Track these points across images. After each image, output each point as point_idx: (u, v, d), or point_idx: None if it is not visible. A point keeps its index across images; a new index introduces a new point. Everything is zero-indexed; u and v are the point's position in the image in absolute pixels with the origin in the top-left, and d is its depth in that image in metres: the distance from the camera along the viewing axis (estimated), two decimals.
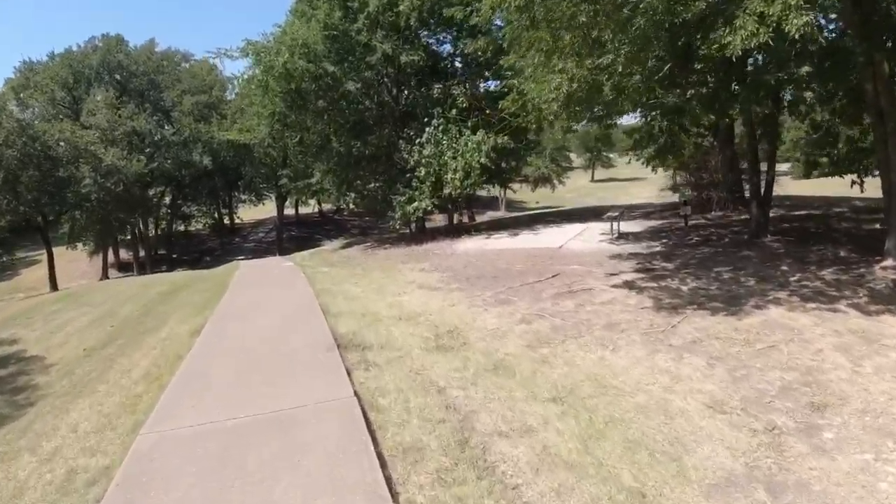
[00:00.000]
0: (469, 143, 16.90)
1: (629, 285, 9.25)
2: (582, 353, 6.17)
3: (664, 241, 13.86)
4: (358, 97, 18.06)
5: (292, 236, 51.53)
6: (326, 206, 60.96)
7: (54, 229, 28.79)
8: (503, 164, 21.63)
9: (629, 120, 19.93)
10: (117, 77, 35.35)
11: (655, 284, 9.24)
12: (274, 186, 37.73)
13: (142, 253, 39.15)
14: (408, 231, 20.96)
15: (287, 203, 46.44)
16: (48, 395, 8.49)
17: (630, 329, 6.92)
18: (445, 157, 16.95)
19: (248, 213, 59.18)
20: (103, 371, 8.17)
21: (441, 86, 19.78)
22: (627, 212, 20.10)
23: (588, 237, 15.54)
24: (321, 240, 51.83)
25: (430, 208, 17.59)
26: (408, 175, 17.51)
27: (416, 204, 17.08)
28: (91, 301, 16.30)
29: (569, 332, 6.94)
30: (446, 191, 17.12)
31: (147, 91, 35.98)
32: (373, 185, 19.33)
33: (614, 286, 9.26)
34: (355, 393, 5.09)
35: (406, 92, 20.07)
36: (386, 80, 19.48)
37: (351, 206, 21.85)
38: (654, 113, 12.39)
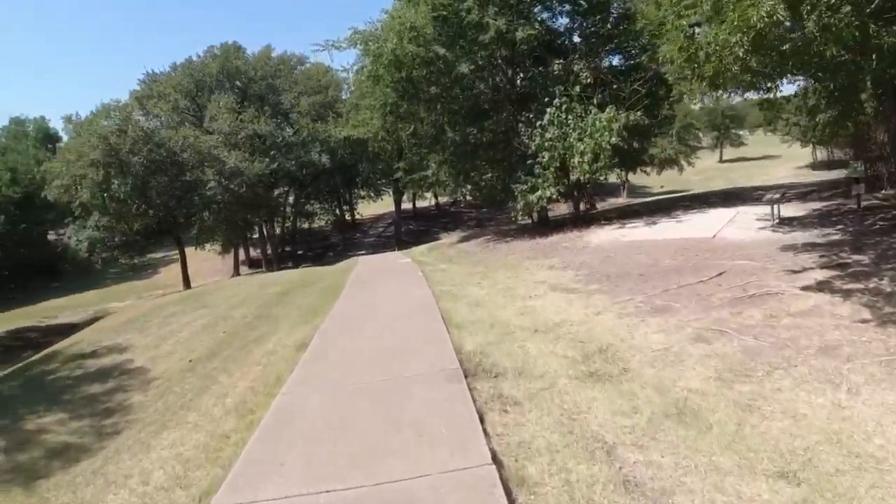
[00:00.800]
0: (598, 122, 15.07)
1: (827, 288, 7.16)
2: (804, 395, 4.41)
3: (840, 226, 11.26)
4: (471, 80, 16.79)
5: (410, 230, 51.75)
6: (442, 199, 60.90)
7: (186, 231, 30.58)
8: (634, 145, 19.52)
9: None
10: (237, 83, 37.01)
11: (861, 286, 7.07)
12: (391, 181, 37.74)
13: (269, 250, 40.90)
14: (529, 222, 19.46)
15: (404, 197, 46.58)
16: (137, 420, 8.10)
17: (859, 355, 5.01)
18: (571, 139, 15.25)
19: (367, 208, 60.49)
20: (199, 392, 7.61)
21: (561, 61, 18.01)
22: (783, 192, 17.21)
23: (743, 224, 13.13)
24: (438, 233, 51.57)
25: (554, 196, 15.98)
26: (529, 161, 16.02)
27: (539, 193, 15.55)
28: (210, 302, 16.48)
29: (771, 357, 5.17)
30: (573, 177, 15.42)
31: (266, 95, 37.37)
32: (491, 174, 18.05)
33: (806, 289, 7.21)
34: (493, 456, 3.77)
35: (521, 73, 18.56)
36: (500, 61, 18.05)
37: (467, 197, 20.74)
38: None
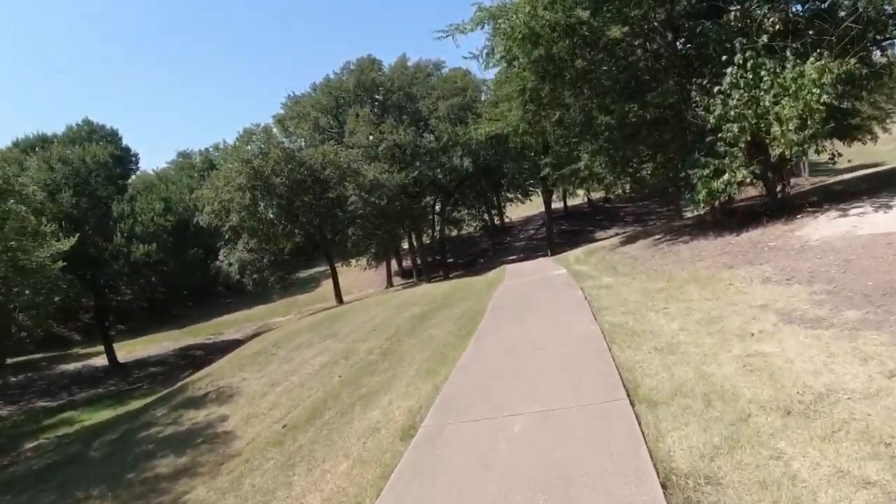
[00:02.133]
0: (802, 77, 11.33)
1: None
2: None
3: None
4: (625, 48, 13.79)
5: (562, 231, 48.70)
6: (595, 195, 56.88)
7: (335, 247, 30.74)
8: (845, 105, 15.29)
9: None
10: (375, 96, 36.84)
11: None
12: (538, 180, 35.24)
13: (419, 260, 40.40)
14: (708, 216, 15.85)
15: (554, 196, 43.72)
16: None
17: None
18: (765, 103, 11.65)
19: (515, 210, 58.34)
20: (270, 494, 5.82)
21: (737, 7, 14.25)
22: None
23: None
24: (593, 232, 47.89)
25: (747, 180, 12.41)
26: (708, 139, 12.62)
27: (726, 177, 12.10)
28: (340, 330, 15.31)
29: None
30: (775, 151, 11.76)
31: (404, 104, 36.82)
32: (657, 160, 14.83)
33: None
34: None
35: (684, 31, 15.07)
36: (655, 22, 14.77)
37: (626, 189, 17.59)
38: None
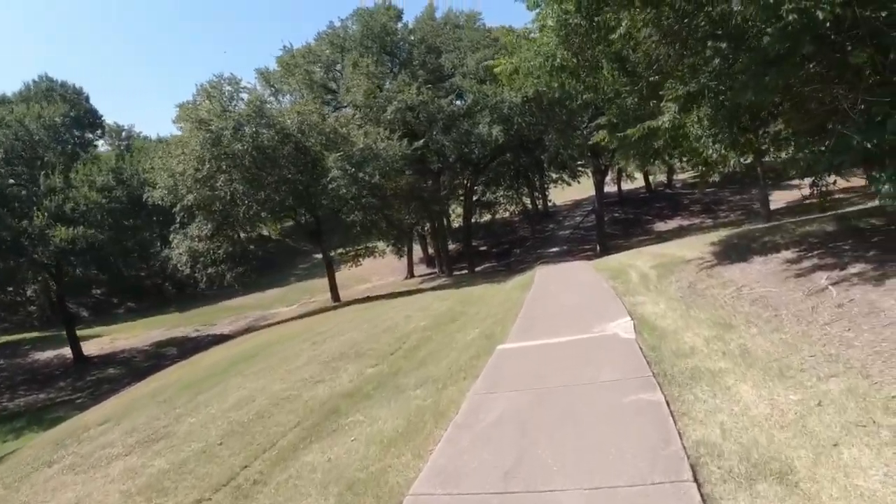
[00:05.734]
0: None
1: None
2: None
3: None
4: None
5: (615, 219, 41.36)
6: (656, 178, 48.92)
7: (327, 236, 24.13)
8: None
9: None
10: (388, 48, 29.75)
11: None
12: (588, 157, 28.03)
13: (441, 250, 34.00)
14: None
15: (608, 178, 36.32)
16: None
17: None
18: None
19: (561, 194, 50.99)
20: None
21: None
22: None
23: None
24: (651, 222, 40.26)
25: None
26: None
27: None
28: (273, 367, 9.33)
29: None
30: None
31: (425, 59, 29.79)
32: (814, 112, 7.78)
33: None
34: None
35: None
36: None
37: (741, 167, 10.35)
38: None
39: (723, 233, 15.41)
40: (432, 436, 4.88)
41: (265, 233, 34.53)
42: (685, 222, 37.30)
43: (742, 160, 10.12)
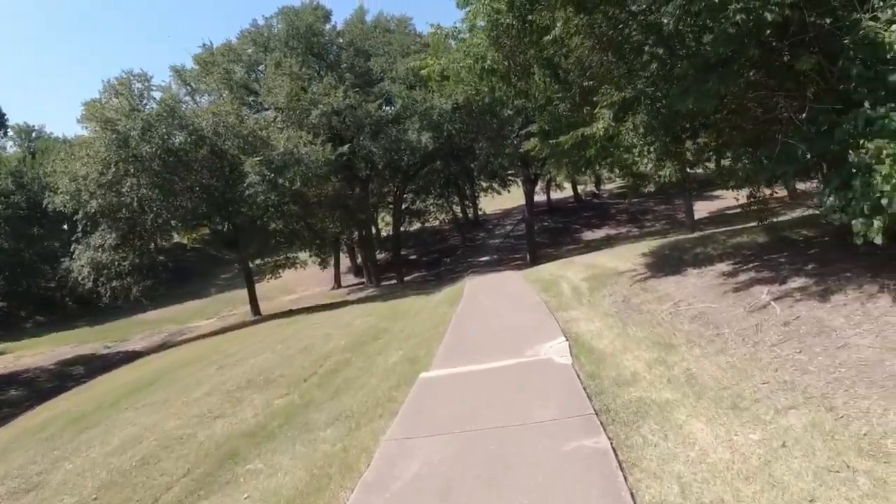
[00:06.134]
0: None
1: None
2: None
3: None
4: None
5: (545, 228, 41.59)
6: (583, 188, 49.69)
7: (244, 244, 22.39)
8: None
9: None
10: (315, 49, 28.38)
11: None
12: (519, 165, 27.75)
13: (372, 259, 32.89)
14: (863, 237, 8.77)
15: (538, 187, 36.39)
16: None
17: None
18: None
19: (491, 203, 50.99)
20: None
21: None
22: None
23: None
24: (580, 231, 40.77)
25: None
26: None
27: None
28: (201, 383, 8.08)
29: None
30: None
31: (353, 62, 28.69)
32: (750, 121, 7.47)
33: None
34: None
35: None
36: None
37: (673, 177, 9.99)
38: None
39: (653, 243, 15.30)
40: (336, 499, 4.01)
41: (184, 240, 32.38)
42: (612, 231, 37.94)
43: (676, 170, 9.81)
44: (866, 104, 5.83)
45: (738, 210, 11.70)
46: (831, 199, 6.15)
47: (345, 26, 31.67)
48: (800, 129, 5.88)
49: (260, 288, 40.74)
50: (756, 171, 6.79)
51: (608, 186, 51.57)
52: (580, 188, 49.27)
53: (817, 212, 9.17)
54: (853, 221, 5.82)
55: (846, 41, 5.88)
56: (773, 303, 6.72)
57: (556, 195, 48.97)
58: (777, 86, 6.34)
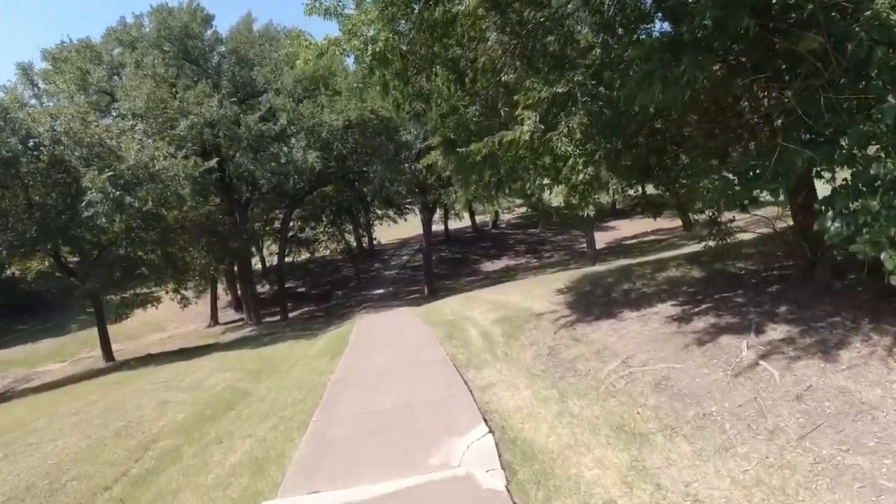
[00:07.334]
0: None
1: None
2: None
3: None
4: None
5: (443, 258, 39.90)
6: (482, 218, 48.66)
7: (94, 276, 18.33)
8: None
9: None
10: (191, 54, 24.79)
11: None
12: (416, 192, 25.78)
13: (251, 293, 29.27)
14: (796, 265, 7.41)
15: (435, 216, 34.60)
16: None
17: None
18: None
19: (387, 232, 48.73)
20: None
21: None
22: None
23: None
24: (479, 261, 39.46)
25: None
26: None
27: None
28: None
29: None
30: None
31: (234, 69, 25.49)
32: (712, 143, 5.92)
33: None
34: None
35: None
36: None
37: (621, 193, 8.22)
38: None
39: (565, 276, 13.70)
40: None
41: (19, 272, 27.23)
42: (512, 262, 36.93)
43: (627, 188, 8.13)
44: (891, 99, 4.31)
45: (633, 241, 10.37)
46: (836, 224, 4.53)
47: (229, 33, 28.52)
48: (811, 126, 4.21)
49: (126, 325, 35.51)
50: (726, 188, 5.10)
51: (507, 216, 51.20)
52: (479, 218, 48.29)
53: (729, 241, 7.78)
54: (882, 255, 4.20)
55: (863, 16, 4.34)
56: (762, 362, 4.98)
57: (454, 225, 47.65)
58: (773, 72, 4.70)
